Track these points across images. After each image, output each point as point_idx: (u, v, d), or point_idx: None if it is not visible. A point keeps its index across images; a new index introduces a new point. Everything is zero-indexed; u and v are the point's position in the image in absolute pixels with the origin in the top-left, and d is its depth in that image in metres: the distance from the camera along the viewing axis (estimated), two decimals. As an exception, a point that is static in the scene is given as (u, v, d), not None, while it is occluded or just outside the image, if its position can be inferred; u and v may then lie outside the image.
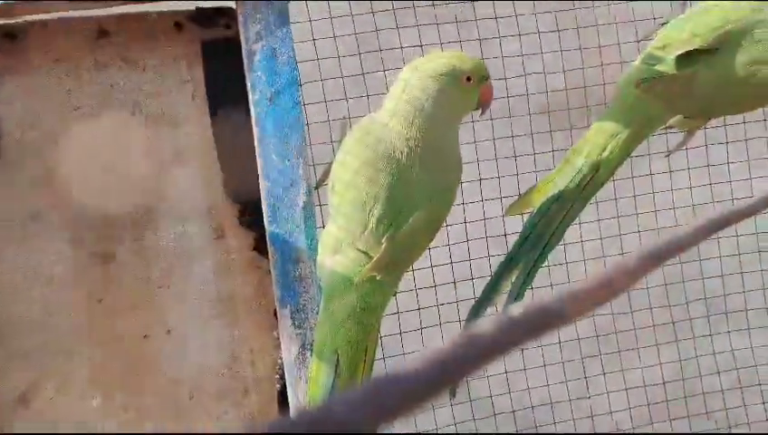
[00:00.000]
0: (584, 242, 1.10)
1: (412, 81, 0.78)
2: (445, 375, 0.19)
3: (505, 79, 1.02)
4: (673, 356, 1.19)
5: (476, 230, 1.10)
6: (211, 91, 0.93)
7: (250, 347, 0.96)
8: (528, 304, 0.24)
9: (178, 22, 0.91)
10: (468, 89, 0.80)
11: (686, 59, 0.87)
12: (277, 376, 0.95)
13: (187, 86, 0.93)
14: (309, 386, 0.83)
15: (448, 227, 1.02)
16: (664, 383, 1.19)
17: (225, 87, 0.93)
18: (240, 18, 0.88)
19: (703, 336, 1.19)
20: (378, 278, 0.77)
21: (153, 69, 0.91)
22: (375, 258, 0.76)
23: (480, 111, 0.84)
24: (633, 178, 1.08)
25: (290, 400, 0.90)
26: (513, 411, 1.15)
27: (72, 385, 0.92)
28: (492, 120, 1.04)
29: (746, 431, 1.22)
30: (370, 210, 0.76)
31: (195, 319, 0.95)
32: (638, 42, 0.97)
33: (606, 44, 1.06)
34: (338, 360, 0.79)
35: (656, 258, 0.35)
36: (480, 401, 1.13)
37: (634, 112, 0.91)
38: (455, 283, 1.05)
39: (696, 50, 0.86)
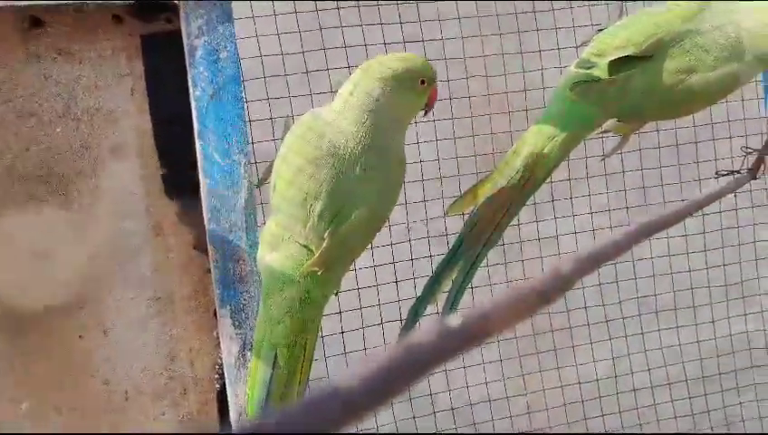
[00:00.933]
0: (522, 242, 1.12)
1: (366, 81, 0.79)
2: (384, 388, 0.20)
3: (448, 81, 1.03)
4: (606, 354, 1.22)
5: (418, 230, 1.11)
6: (151, 85, 0.91)
7: (189, 347, 0.95)
8: (466, 312, 0.25)
9: (117, 15, 0.89)
10: (421, 91, 0.81)
11: (619, 64, 0.90)
12: (217, 376, 0.94)
13: (126, 80, 0.91)
14: (247, 382, 0.82)
15: (391, 227, 1.03)
16: (597, 380, 1.22)
17: (166, 82, 0.91)
18: (182, 13, 0.86)
19: (634, 335, 1.23)
20: (319, 274, 0.77)
21: (90, 62, 0.89)
22: (317, 253, 0.76)
23: (424, 113, 0.85)
24: (570, 179, 1.11)
25: (229, 400, 0.89)
26: (453, 409, 1.16)
27: (1, 387, 0.89)
28: (434, 120, 1.05)
29: (673, 425, 1.27)
30: (312, 205, 0.76)
31: (132, 318, 0.93)
32: (577, 47, 0.99)
33: (546, 49, 1.08)
34: (276, 356, 0.78)
35: (590, 263, 0.36)
36: (420, 399, 1.15)
37: (570, 116, 0.93)
38: (396, 282, 1.06)
39: (629, 56, 0.89)
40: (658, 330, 1.24)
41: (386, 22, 1.03)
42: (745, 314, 1.28)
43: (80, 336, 0.92)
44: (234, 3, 0.86)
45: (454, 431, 1.17)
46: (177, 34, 0.88)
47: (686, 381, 1.26)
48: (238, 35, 0.87)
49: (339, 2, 0.99)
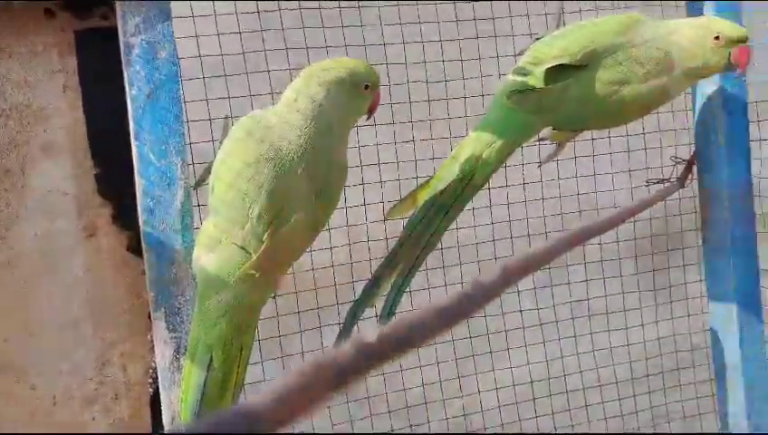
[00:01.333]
0: (461, 247, 1.13)
1: (310, 86, 0.79)
2: (295, 407, 0.20)
3: (389, 85, 1.04)
4: (540, 356, 1.25)
5: (358, 233, 1.11)
6: (84, 82, 0.89)
7: (121, 351, 0.92)
8: (388, 325, 0.25)
9: (50, 9, 0.86)
10: (365, 96, 0.82)
11: (555, 74, 0.92)
12: (150, 380, 0.92)
13: (58, 76, 0.88)
14: (181, 386, 0.81)
15: (330, 231, 1.03)
16: (531, 382, 1.25)
17: (100, 79, 0.89)
18: (118, 10, 0.84)
19: (566, 338, 1.26)
20: (256, 277, 0.76)
21: (20, 57, 0.86)
22: (256, 256, 0.76)
23: (367, 116, 0.86)
24: (508, 186, 1.13)
25: (163, 406, 0.88)
26: (390, 412, 1.17)
27: None
28: (375, 125, 1.05)
29: (603, 426, 1.31)
30: (251, 208, 0.76)
31: (62, 321, 0.90)
32: (516, 55, 1.01)
33: (486, 57, 1.10)
34: (211, 359, 0.78)
35: (516, 271, 0.37)
36: (357, 402, 1.15)
37: (507, 123, 0.95)
38: (335, 286, 1.06)
39: (565, 65, 0.92)
40: (591, 333, 1.27)
41: (328, 25, 1.03)
42: (672, 319, 1.32)
43: (5, 340, 0.89)
44: (173, 2, 0.85)
45: (390, 433, 1.17)
46: (112, 31, 0.86)
47: (617, 383, 1.29)
48: (177, 35, 0.86)
49: (279, 2, 0.99)
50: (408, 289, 0.96)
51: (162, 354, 0.87)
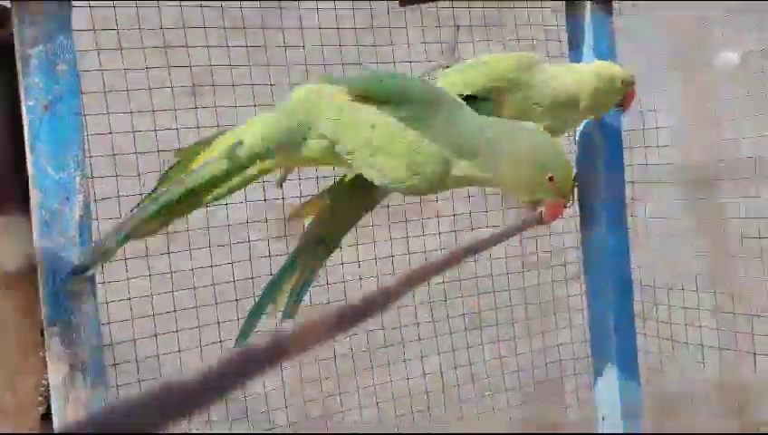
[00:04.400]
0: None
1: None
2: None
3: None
4: (434, 367, 1.29)
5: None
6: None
7: (9, 369, 0.89)
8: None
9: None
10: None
11: None
12: (41, 398, 0.89)
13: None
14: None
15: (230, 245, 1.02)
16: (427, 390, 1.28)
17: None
18: (15, 21, 0.82)
19: (459, 349, 1.31)
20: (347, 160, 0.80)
21: None
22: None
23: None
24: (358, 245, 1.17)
25: (55, 426, 0.85)
26: (290, 424, 1.18)
27: None
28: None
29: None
30: None
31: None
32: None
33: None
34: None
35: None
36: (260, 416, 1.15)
37: None
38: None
39: (469, 98, 0.97)
40: (482, 344, 1.33)
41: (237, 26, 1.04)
42: (557, 329, 1.40)
43: None
44: (74, 15, 0.84)
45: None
46: (8, 39, 0.84)
47: (506, 391, 1.36)
48: (78, 47, 0.84)
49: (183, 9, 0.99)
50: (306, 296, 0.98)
51: (56, 371, 0.85)
